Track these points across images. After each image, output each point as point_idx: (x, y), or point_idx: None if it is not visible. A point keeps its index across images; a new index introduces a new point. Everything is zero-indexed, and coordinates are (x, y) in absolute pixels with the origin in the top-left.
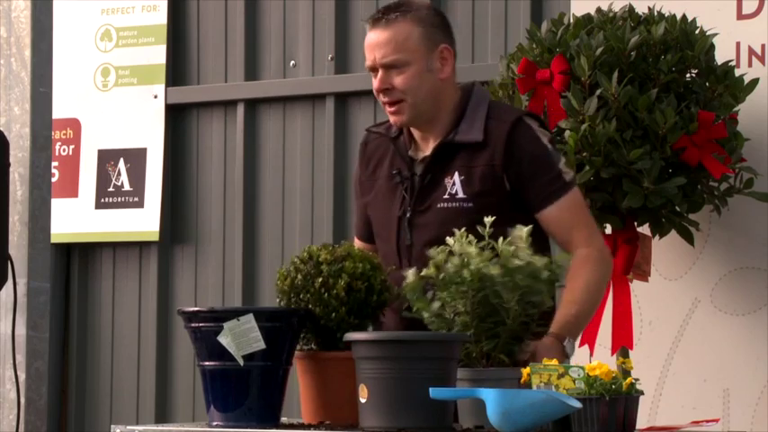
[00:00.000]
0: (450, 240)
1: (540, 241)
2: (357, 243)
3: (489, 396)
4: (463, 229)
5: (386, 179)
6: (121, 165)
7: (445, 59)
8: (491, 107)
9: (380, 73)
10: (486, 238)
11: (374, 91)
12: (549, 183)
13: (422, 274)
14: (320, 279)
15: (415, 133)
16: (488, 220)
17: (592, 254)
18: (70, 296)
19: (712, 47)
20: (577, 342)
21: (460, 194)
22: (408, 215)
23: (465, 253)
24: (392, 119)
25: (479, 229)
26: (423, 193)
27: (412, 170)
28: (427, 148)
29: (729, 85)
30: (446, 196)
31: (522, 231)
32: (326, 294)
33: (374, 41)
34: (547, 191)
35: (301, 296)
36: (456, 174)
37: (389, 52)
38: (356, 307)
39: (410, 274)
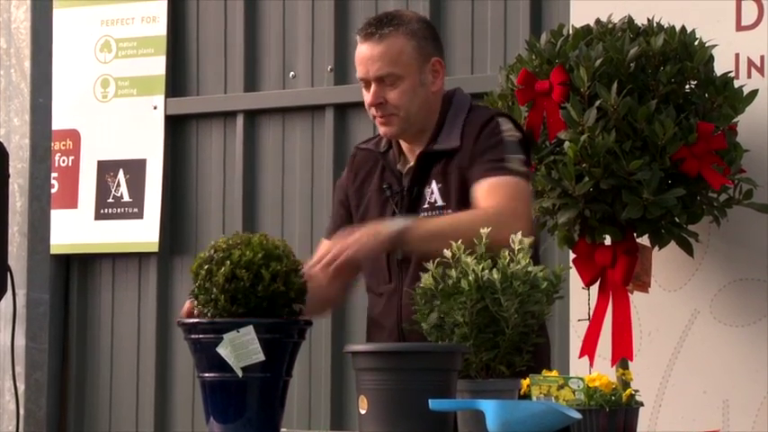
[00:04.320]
0: (446, 252)
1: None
2: (325, 243)
3: (489, 407)
4: (459, 241)
5: (376, 193)
6: (121, 176)
7: (437, 72)
8: (470, 112)
9: (373, 87)
10: (483, 249)
11: (366, 104)
12: (487, 162)
13: (420, 285)
14: (206, 267)
15: (403, 145)
16: (484, 231)
17: (486, 210)
18: (69, 307)
19: (711, 58)
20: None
21: (439, 202)
22: None
23: (463, 263)
24: (382, 130)
25: None
26: (410, 207)
27: (401, 184)
28: (413, 160)
29: (729, 97)
30: (426, 206)
31: (524, 242)
32: (209, 282)
33: (367, 55)
34: (483, 168)
35: (195, 284)
36: (434, 182)
37: (383, 66)
38: (241, 296)
39: (424, 278)
